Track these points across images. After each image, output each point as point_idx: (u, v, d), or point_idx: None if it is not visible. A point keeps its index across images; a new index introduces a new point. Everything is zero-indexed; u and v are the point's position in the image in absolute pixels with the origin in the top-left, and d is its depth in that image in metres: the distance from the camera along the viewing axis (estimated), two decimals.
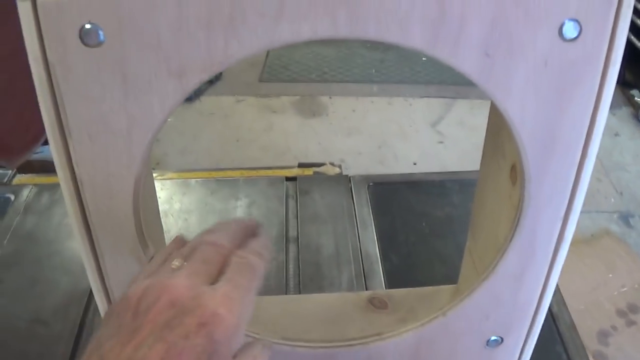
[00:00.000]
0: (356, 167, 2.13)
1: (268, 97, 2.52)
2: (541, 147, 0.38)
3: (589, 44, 0.34)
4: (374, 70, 2.71)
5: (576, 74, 0.35)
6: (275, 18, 0.31)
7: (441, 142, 2.25)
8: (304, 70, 2.74)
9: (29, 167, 0.85)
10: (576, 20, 0.33)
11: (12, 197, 0.78)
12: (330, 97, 2.56)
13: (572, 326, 0.63)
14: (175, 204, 0.79)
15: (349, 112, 2.47)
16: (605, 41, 0.34)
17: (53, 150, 0.35)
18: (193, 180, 0.84)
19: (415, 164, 2.17)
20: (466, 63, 0.34)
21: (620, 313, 1.30)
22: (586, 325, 1.26)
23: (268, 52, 2.83)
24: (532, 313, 0.46)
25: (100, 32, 0.30)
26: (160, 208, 0.78)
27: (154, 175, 0.84)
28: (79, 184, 0.36)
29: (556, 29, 0.33)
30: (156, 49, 0.31)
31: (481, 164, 0.52)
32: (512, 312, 0.45)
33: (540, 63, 0.34)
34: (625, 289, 1.35)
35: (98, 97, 0.33)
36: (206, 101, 2.43)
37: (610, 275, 1.36)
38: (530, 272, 0.43)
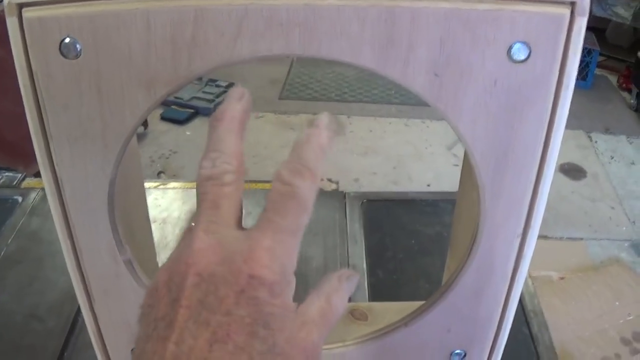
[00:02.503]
0: (370, 186, 2.15)
1: (287, 114, 2.57)
2: (494, 165, 0.39)
3: (538, 66, 0.34)
4: (393, 92, 2.74)
5: (527, 95, 0.35)
6: (234, 37, 0.33)
7: (456, 165, 2.25)
8: (324, 89, 2.78)
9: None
10: (525, 43, 0.34)
11: (20, 199, 0.82)
12: (348, 117, 2.59)
13: (552, 349, 0.63)
14: (174, 212, 0.82)
15: (367, 132, 2.50)
16: (555, 64, 0.34)
17: (37, 152, 0.38)
18: (193, 190, 0.87)
19: (429, 185, 2.18)
20: (416, 83, 0.36)
21: (625, 341, 1.28)
22: (590, 352, 1.25)
23: (289, 71, 2.89)
24: (494, 328, 0.46)
25: (78, 46, 0.34)
26: (159, 215, 0.82)
27: (156, 184, 0.88)
28: (60, 183, 0.39)
29: (505, 51, 0.34)
30: (127, 63, 0.34)
31: (459, 182, 0.54)
32: (474, 327, 0.46)
33: (490, 83, 0.35)
34: (631, 317, 1.32)
35: (76, 105, 0.36)
36: None
37: (617, 303, 1.34)
38: (489, 288, 0.44)
